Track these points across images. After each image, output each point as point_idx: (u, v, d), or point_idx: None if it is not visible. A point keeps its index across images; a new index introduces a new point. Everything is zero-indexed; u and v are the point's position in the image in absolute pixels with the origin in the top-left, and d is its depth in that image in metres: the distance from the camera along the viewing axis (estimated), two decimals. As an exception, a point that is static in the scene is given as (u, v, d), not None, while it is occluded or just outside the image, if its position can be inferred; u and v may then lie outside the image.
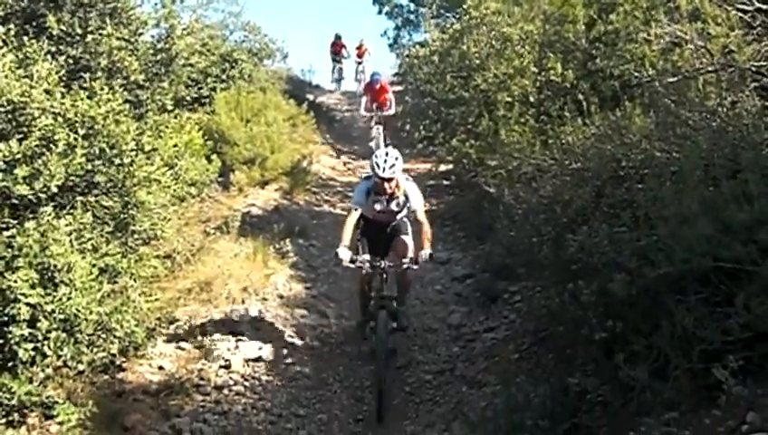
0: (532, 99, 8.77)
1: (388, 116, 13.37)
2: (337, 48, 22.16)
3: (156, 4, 7.71)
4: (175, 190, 6.21)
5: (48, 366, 4.58)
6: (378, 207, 6.07)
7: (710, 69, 5.54)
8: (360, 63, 21.53)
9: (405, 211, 6.21)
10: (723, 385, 3.08)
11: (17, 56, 5.28)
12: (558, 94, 8.43)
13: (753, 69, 5.23)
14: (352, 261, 5.79)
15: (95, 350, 4.92)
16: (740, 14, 5.75)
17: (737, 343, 3.13)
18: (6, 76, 4.88)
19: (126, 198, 5.45)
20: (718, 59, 5.55)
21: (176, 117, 7.76)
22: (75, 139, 5.03)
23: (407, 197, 6.01)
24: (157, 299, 5.84)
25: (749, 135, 4.04)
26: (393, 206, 6.10)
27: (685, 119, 4.64)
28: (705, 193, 3.69)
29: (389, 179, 5.79)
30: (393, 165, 5.73)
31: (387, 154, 5.80)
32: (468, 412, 5.19)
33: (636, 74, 6.78)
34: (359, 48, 21.63)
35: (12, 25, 5.72)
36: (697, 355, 3.24)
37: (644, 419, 3.45)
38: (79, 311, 4.49)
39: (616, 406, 3.83)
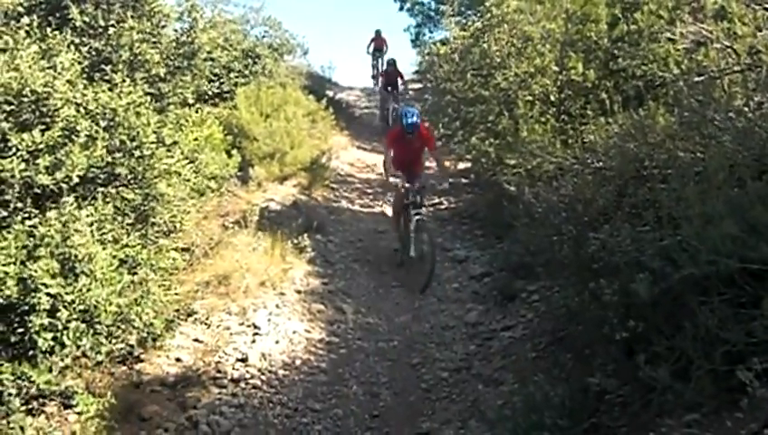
0: (552, 98, 8.71)
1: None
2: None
3: (180, -4, 7.76)
4: (195, 184, 6.26)
5: (67, 356, 4.58)
6: None
7: (736, 69, 5.46)
8: (379, 58, 20.43)
9: None
10: (746, 387, 3.02)
11: (41, 47, 5.33)
12: (579, 94, 8.37)
13: (781, 69, 5.16)
14: None
15: (114, 341, 4.95)
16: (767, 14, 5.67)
17: (762, 344, 3.08)
18: (30, 67, 4.91)
19: (146, 191, 5.48)
20: (744, 59, 5.47)
21: (197, 111, 7.81)
22: (97, 130, 5.07)
23: None
24: (176, 293, 5.87)
25: (775, 136, 3.98)
26: None
27: (710, 119, 4.57)
28: (731, 194, 3.64)
29: None
30: None
31: None
32: (485, 410, 5.17)
33: (660, 74, 6.70)
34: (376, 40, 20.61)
35: (35, 16, 5.76)
36: (720, 357, 3.19)
37: (665, 420, 3.43)
38: (99, 302, 4.51)
39: (636, 407, 3.79)
